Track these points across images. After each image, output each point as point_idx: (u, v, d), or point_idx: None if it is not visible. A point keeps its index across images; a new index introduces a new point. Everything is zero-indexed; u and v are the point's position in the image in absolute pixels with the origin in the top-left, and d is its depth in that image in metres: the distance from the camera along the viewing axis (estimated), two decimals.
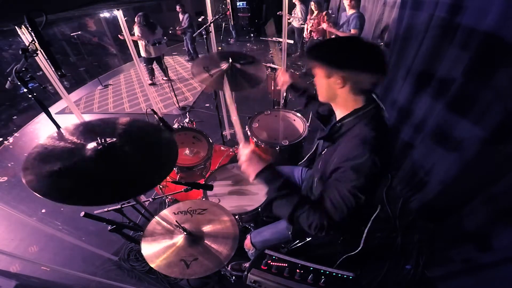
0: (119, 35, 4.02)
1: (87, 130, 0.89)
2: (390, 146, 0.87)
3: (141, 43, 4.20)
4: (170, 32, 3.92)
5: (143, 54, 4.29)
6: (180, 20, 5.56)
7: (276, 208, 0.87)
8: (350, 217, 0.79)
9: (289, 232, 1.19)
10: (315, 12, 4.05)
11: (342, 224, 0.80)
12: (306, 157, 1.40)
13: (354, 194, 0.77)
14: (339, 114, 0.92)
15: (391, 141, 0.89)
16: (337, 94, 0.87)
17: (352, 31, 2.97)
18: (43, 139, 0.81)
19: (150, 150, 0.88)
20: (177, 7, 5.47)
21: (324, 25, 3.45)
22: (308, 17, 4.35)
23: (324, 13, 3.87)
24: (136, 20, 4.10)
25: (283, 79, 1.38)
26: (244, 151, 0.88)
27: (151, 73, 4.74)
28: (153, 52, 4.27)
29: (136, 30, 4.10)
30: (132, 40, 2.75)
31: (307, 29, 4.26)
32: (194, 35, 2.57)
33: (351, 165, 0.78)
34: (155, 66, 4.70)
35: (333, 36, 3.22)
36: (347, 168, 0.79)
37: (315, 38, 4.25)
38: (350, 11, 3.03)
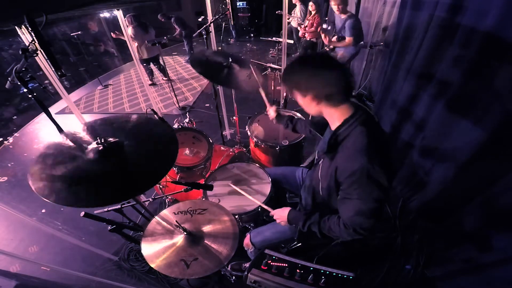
0: (112, 34, 3.98)
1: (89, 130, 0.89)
2: (387, 147, 0.87)
3: (134, 45, 4.09)
4: (164, 40, 3.86)
5: (136, 55, 4.23)
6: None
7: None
8: (379, 219, 0.85)
9: (295, 238, 1.20)
10: (313, 13, 4.01)
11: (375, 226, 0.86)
12: (307, 160, 1.42)
13: (369, 206, 0.81)
14: (333, 125, 0.92)
15: (387, 143, 0.90)
16: (321, 110, 0.89)
17: (347, 40, 2.96)
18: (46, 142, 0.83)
19: (149, 144, 0.89)
20: (159, 17, 5.20)
21: (319, 30, 3.47)
22: (306, 18, 4.32)
23: (317, 15, 3.88)
24: (127, 21, 4.00)
25: (271, 114, 1.55)
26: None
27: (150, 73, 4.72)
28: (146, 53, 4.22)
29: (130, 30, 4.01)
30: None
31: (303, 29, 4.24)
32: (194, 35, 2.56)
33: (353, 180, 0.80)
34: (154, 66, 4.66)
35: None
36: (351, 183, 0.81)
37: (308, 39, 4.23)
38: (342, 16, 3.02)
